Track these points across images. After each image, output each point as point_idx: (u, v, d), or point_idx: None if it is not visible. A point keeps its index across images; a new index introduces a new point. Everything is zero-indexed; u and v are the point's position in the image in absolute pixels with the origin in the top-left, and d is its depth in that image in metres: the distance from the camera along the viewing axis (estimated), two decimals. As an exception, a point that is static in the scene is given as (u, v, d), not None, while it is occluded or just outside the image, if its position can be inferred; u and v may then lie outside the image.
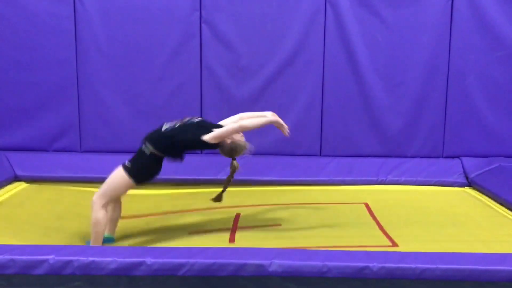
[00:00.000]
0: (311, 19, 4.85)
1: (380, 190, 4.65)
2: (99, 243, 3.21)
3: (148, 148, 3.27)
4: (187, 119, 3.40)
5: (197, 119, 3.43)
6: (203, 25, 4.86)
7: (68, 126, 4.98)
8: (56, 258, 2.59)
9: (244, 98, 4.93)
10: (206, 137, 3.22)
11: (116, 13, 4.82)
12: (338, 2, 4.81)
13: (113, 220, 3.41)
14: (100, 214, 3.18)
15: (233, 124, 3.30)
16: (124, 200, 3.51)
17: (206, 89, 4.96)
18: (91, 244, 3.21)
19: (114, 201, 3.35)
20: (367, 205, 4.15)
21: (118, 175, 3.23)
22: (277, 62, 4.90)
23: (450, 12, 4.83)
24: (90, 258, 2.59)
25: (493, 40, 4.85)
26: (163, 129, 3.33)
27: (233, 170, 3.41)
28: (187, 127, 3.30)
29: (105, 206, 3.23)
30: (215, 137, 3.23)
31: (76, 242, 3.32)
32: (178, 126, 3.31)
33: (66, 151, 4.99)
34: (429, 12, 4.83)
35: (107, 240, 3.32)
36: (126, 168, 3.24)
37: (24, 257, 2.59)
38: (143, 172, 3.28)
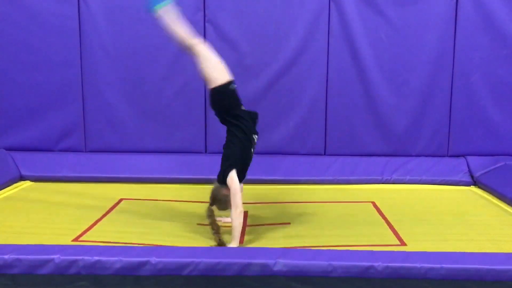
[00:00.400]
0: (315, 18, 4.84)
1: (386, 189, 4.65)
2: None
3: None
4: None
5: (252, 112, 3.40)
6: (206, 24, 4.86)
7: (73, 126, 5.00)
8: (61, 257, 2.60)
9: (248, 97, 4.87)
10: (228, 179, 3.17)
11: (120, 13, 4.83)
12: (342, 0, 4.80)
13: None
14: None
15: (234, 209, 3.12)
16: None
17: (210, 88, 4.95)
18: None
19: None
20: (374, 204, 4.14)
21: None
22: (281, 61, 4.90)
23: (455, 10, 4.81)
24: (95, 258, 2.61)
25: (498, 38, 4.82)
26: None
27: (211, 213, 3.27)
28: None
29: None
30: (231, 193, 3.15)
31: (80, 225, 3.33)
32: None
33: (71, 151, 5.01)
34: (434, 10, 4.81)
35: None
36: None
37: (29, 257, 2.61)
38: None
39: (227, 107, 3.31)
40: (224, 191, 3.21)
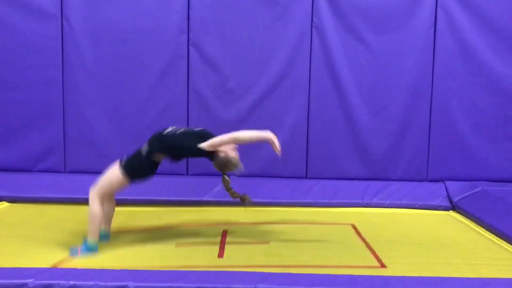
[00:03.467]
0: (297, 43, 4.92)
1: (366, 213, 4.68)
2: (95, 237, 3.32)
3: (146, 149, 3.39)
4: (188, 128, 3.55)
5: (198, 129, 3.54)
6: (190, 47, 4.90)
7: (53, 147, 4.94)
8: (35, 282, 2.54)
9: (230, 120, 4.95)
10: (203, 145, 3.32)
11: (104, 34, 4.85)
12: (323, 27, 4.90)
13: (107, 216, 3.54)
14: (95, 207, 3.32)
15: (229, 134, 3.36)
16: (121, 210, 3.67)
17: (193, 110, 4.98)
18: (88, 239, 3.30)
19: (108, 196, 3.46)
20: (354, 226, 4.16)
21: (114, 171, 3.37)
22: (263, 85, 4.95)
23: (433, 38, 4.94)
24: (71, 282, 2.55)
25: (475, 66, 4.96)
26: (165, 132, 3.44)
27: (226, 184, 3.50)
28: (187, 134, 3.42)
29: (100, 200, 3.34)
30: (211, 145, 3.33)
31: (59, 251, 3.31)
32: (179, 133, 3.42)
33: (50, 171, 4.94)
34: (413, 38, 4.94)
35: (102, 236, 3.45)
36: (121, 165, 3.36)
37: (2, 281, 2.54)
38: (137, 172, 3.40)
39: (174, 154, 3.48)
40: (219, 155, 3.36)
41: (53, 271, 2.71)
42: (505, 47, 4.93)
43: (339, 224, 4.22)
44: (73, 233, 3.76)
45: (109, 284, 2.56)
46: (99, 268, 2.96)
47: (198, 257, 3.32)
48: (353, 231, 4.05)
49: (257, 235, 3.86)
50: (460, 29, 4.91)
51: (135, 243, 3.62)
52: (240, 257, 3.33)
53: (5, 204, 4.56)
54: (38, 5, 4.79)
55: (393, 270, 3.17)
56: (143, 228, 4.03)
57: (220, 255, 3.36)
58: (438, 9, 4.90)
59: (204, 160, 3.51)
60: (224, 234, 3.84)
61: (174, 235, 3.82)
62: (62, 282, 2.55)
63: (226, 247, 3.52)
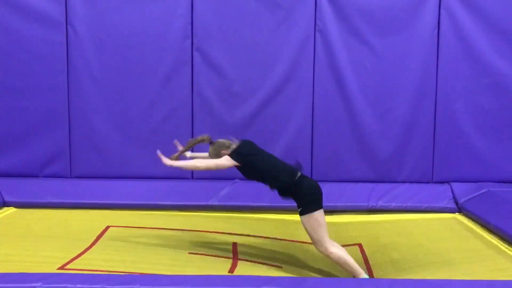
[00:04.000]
0: (301, 46, 4.93)
1: (373, 224, 4.47)
2: (358, 274, 3.13)
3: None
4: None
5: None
6: (194, 52, 4.92)
7: (59, 152, 4.97)
8: (43, 286, 2.55)
9: (235, 123, 4.96)
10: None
11: (109, 40, 4.88)
12: (327, 30, 4.91)
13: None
14: (336, 253, 3.15)
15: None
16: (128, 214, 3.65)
17: (197, 115, 4.99)
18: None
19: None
20: (360, 247, 3.91)
21: (311, 222, 3.19)
22: (268, 88, 4.96)
23: (437, 40, 4.94)
24: (78, 285, 2.56)
25: (479, 67, 4.95)
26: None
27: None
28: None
29: (331, 244, 3.18)
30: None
31: (65, 255, 3.30)
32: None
33: (56, 177, 4.97)
34: (417, 40, 4.93)
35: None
36: (307, 212, 3.21)
37: (10, 285, 2.55)
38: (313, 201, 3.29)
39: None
40: (222, 150, 3.34)
41: (61, 276, 2.72)
42: (509, 47, 4.92)
43: (346, 246, 3.78)
44: (79, 237, 3.78)
45: (116, 287, 2.57)
46: (107, 272, 2.98)
47: (210, 269, 3.21)
48: (359, 253, 3.78)
49: (268, 254, 3.70)
50: (464, 30, 4.91)
51: (147, 248, 3.58)
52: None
53: (12, 210, 4.58)
54: (43, 12, 4.83)
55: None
56: (151, 233, 4.00)
57: (231, 270, 3.23)
58: (442, 11, 4.90)
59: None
60: (235, 247, 3.76)
61: (186, 241, 3.78)
62: (69, 286, 2.55)
63: (239, 263, 3.40)
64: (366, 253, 3.78)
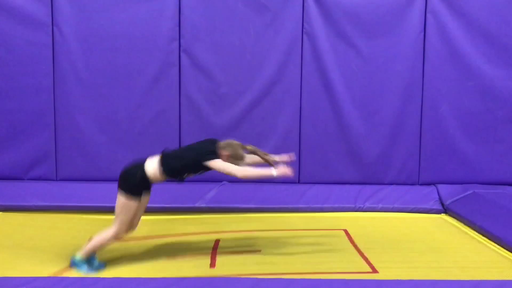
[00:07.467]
0: (288, 49, 4.95)
1: (358, 217, 4.69)
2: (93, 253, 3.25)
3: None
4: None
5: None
6: (182, 54, 4.91)
7: (44, 154, 4.92)
8: (28, 290, 2.52)
9: (222, 125, 4.96)
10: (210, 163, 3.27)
11: (95, 41, 4.84)
12: (314, 33, 4.93)
13: None
14: (110, 237, 3.29)
15: (237, 169, 3.26)
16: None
17: (185, 116, 4.98)
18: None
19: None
20: (346, 232, 4.17)
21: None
22: (255, 90, 4.97)
23: (422, 43, 4.99)
24: (63, 291, 2.54)
25: (464, 70, 5.01)
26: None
27: (253, 151, 3.46)
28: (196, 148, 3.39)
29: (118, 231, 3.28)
30: (217, 168, 3.28)
31: (51, 261, 3.25)
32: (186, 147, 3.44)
33: (42, 179, 4.92)
34: (403, 43, 4.98)
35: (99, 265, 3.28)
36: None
37: (-7, 290, 2.53)
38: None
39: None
40: (224, 153, 3.32)
41: (45, 280, 2.70)
42: (494, 50, 4.99)
43: (332, 230, 4.22)
44: (65, 242, 3.73)
45: (102, 292, 2.55)
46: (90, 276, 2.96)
47: (190, 267, 3.28)
48: (345, 236, 4.05)
49: (249, 243, 3.85)
50: (450, 33, 4.96)
51: (126, 254, 3.56)
52: (232, 267, 3.30)
53: (-4, 213, 4.52)
54: (29, 13, 4.78)
55: (384, 274, 3.18)
56: (134, 238, 3.95)
57: (212, 265, 3.34)
58: (428, 14, 4.95)
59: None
60: (216, 243, 3.82)
61: (165, 246, 3.78)
62: (54, 290, 2.53)
63: (218, 257, 3.49)
64: (352, 237, 3.99)
